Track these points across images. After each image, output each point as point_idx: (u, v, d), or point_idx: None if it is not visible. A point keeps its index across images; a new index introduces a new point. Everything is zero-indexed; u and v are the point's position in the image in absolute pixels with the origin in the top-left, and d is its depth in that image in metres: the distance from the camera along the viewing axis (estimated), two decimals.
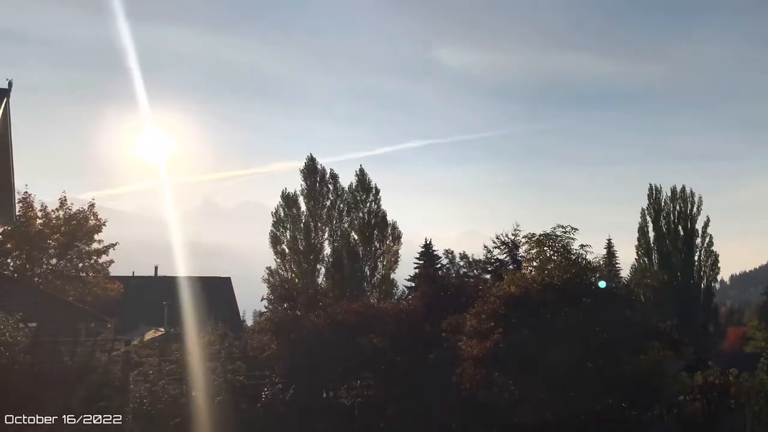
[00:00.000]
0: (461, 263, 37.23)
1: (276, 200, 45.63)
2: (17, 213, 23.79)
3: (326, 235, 44.74)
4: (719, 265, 53.50)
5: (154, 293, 34.09)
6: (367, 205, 45.49)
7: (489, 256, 34.43)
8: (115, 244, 29.14)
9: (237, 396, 12.83)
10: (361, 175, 46.19)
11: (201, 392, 12.37)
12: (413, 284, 36.37)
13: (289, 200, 45.16)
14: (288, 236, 44.36)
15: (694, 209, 53.89)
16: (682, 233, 53.50)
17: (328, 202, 45.28)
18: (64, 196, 28.46)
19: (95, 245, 28.55)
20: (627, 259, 56.93)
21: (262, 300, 20.52)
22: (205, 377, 12.72)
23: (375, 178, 46.18)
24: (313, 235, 44.26)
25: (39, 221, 27.17)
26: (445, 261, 40.53)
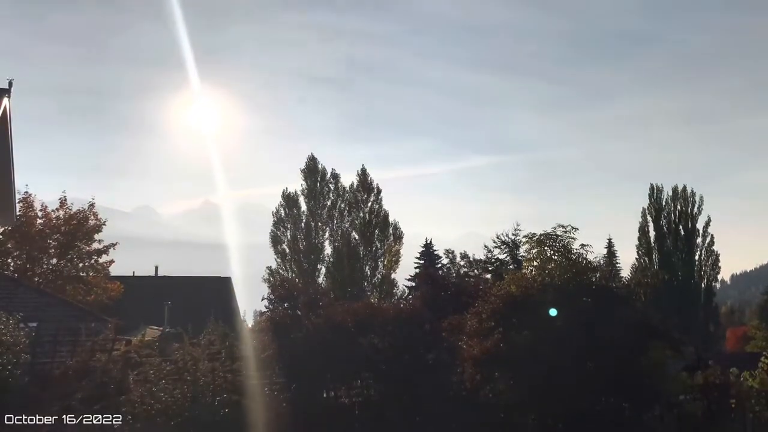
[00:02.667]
0: (462, 263, 37.05)
1: (277, 200, 45.74)
2: (17, 213, 23.75)
3: (327, 235, 44.74)
4: (720, 264, 53.59)
5: (155, 293, 34.14)
6: (368, 205, 45.41)
7: (489, 255, 34.36)
8: (116, 244, 29.09)
9: (237, 396, 12.82)
10: (363, 174, 46.10)
11: (201, 392, 12.37)
12: (414, 284, 36.33)
13: (289, 200, 45.15)
14: (288, 236, 44.35)
15: (695, 209, 53.91)
16: (682, 233, 53.48)
17: (329, 202, 45.24)
18: (65, 196, 28.44)
19: (95, 245, 28.52)
20: (628, 258, 56.97)
21: (262, 300, 20.37)
22: (205, 377, 12.73)
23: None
24: (314, 234, 44.24)
25: (39, 221, 27.15)
26: (445, 261, 40.43)
